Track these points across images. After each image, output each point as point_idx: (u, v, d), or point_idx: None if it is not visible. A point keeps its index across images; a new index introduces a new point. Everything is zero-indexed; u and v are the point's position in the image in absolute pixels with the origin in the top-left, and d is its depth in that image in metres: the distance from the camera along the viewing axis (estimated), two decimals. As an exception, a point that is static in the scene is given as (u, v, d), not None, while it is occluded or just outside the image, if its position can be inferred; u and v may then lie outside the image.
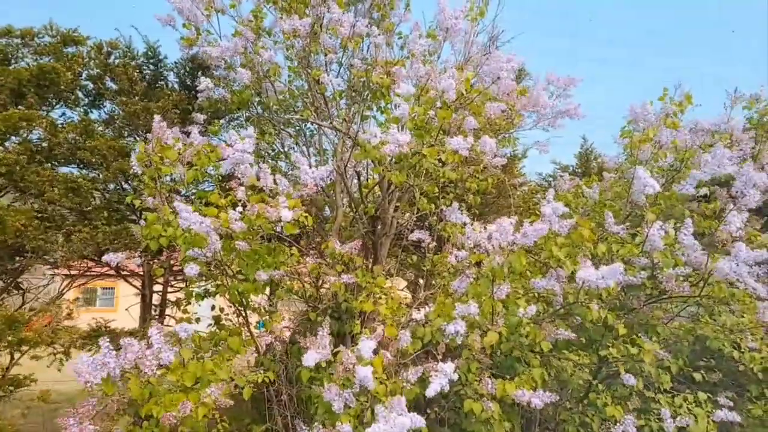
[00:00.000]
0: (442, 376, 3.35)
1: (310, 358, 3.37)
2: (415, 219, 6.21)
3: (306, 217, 3.82)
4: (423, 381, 3.51)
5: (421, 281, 6.52)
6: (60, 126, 6.82)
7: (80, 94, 7.36)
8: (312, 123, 6.05)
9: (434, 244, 5.85)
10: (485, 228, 4.20)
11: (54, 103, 7.16)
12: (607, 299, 4.64)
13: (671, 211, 4.38)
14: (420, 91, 4.31)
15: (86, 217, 6.23)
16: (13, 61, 7.06)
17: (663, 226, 4.20)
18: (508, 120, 6.32)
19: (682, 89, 5.50)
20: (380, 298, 4.36)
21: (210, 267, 4.27)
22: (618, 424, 3.84)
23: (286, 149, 7.19)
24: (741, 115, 5.92)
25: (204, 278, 5.05)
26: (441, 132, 4.14)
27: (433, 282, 5.67)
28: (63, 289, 8.12)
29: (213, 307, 5.37)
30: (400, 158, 4.11)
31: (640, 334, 4.32)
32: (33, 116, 5.96)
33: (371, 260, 6.17)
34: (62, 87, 6.92)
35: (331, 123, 5.29)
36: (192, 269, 3.78)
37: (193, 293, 5.04)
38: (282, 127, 6.77)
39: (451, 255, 4.94)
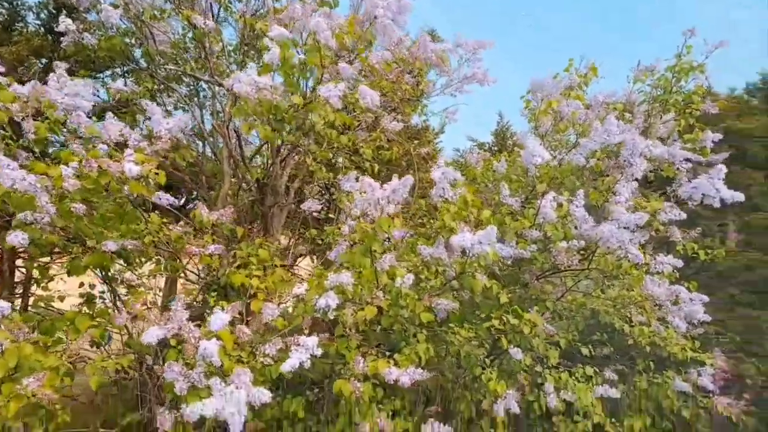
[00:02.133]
0: (303, 351, 3.09)
1: (151, 335, 3.00)
2: (316, 189, 5.92)
3: (157, 173, 3.39)
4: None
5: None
6: None
7: None
8: (192, 77, 5.53)
9: (334, 215, 5.61)
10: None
11: None
12: (501, 273, 4.60)
13: (566, 184, 4.35)
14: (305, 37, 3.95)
15: None
16: None
17: (556, 198, 4.16)
18: (414, 86, 6.11)
19: (587, 61, 5.56)
20: (258, 270, 4.03)
21: (52, 234, 3.74)
22: (501, 399, 3.78)
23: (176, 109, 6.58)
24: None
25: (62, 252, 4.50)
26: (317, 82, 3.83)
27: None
28: None
29: (81, 284, 4.81)
30: (269, 110, 3.75)
31: (530, 309, 4.29)
32: None
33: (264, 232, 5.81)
34: None
35: (212, 76, 4.82)
36: (16, 237, 3.25)
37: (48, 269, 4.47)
38: (167, 82, 6.15)
39: (345, 225, 4.71)
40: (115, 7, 5.30)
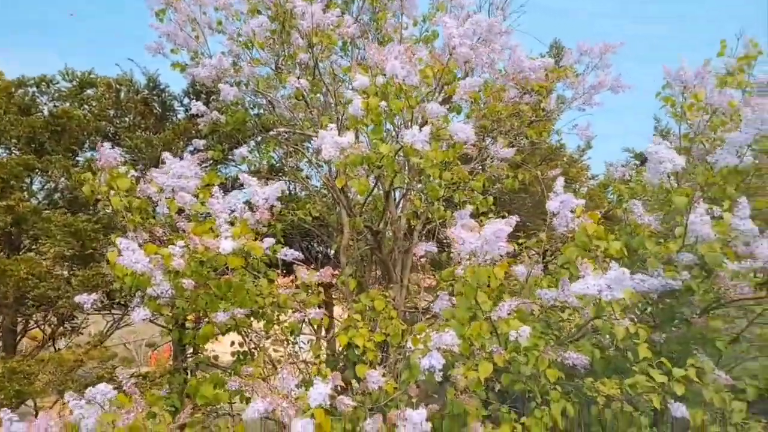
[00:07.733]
0: (409, 427, 2.89)
1: (253, 410, 3.01)
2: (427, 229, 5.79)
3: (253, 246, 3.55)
4: None
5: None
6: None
7: (98, 137, 7.76)
8: (301, 134, 5.87)
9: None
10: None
11: (72, 148, 7.60)
12: (651, 310, 3.90)
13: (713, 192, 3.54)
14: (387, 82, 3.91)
15: (93, 259, 6.45)
16: (34, 110, 7.63)
17: (709, 210, 3.43)
18: (535, 106, 5.73)
19: (744, 39, 4.62)
20: (363, 328, 3.98)
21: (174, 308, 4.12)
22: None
23: (295, 167, 7.09)
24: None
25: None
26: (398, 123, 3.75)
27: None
28: (107, 331, 8.54)
29: (232, 343, 5.22)
30: (361, 163, 3.74)
31: (696, 352, 3.52)
32: (31, 163, 6.32)
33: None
34: (76, 129, 7.36)
35: (314, 130, 5.05)
36: (139, 314, 3.63)
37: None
38: (288, 144, 6.63)
39: (459, 268, 4.46)
40: (237, 84, 5.95)
